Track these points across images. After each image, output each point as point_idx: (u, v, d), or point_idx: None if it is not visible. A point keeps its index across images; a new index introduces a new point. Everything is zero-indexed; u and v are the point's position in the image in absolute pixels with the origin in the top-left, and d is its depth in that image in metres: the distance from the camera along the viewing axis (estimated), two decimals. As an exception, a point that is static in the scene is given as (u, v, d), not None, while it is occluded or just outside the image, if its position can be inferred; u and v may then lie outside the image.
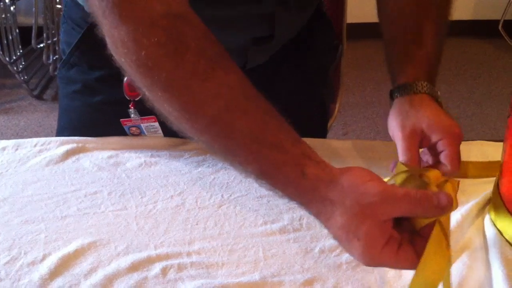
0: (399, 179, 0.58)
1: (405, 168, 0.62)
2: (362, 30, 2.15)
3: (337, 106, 1.48)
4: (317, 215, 0.54)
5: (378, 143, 0.86)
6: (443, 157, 0.66)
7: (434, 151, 0.68)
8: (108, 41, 0.57)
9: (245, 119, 0.55)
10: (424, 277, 0.51)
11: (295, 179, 0.54)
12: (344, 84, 1.51)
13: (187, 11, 0.57)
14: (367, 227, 0.50)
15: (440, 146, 0.66)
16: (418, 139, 0.67)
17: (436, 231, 0.52)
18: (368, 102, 2.41)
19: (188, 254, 0.65)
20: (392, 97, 0.73)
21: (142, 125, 0.82)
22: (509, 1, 2.70)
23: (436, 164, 0.67)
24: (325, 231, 0.65)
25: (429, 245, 0.51)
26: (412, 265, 0.51)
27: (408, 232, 0.53)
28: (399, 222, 0.53)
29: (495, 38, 2.88)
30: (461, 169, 0.77)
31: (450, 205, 0.51)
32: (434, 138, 0.66)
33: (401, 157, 0.65)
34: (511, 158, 0.63)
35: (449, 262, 0.54)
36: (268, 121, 0.56)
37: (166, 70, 0.54)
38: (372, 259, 0.51)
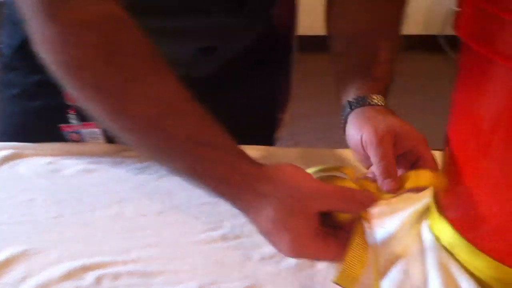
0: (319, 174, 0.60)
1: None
2: (315, 43, 2.17)
3: (287, 115, 1.48)
4: (247, 209, 0.56)
5: (325, 151, 0.86)
6: (422, 163, 0.63)
7: (404, 159, 0.64)
8: (37, 40, 0.55)
9: (179, 120, 0.55)
10: (348, 270, 0.54)
11: (227, 175, 0.55)
12: (295, 95, 1.51)
13: (121, 13, 0.56)
14: (297, 219, 0.53)
15: (415, 153, 0.63)
16: (392, 144, 0.62)
17: (359, 226, 0.56)
18: (319, 113, 2.43)
19: (125, 262, 0.63)
20: (349, 107, 0.69)
21: (83, 131, 0.80)
22: (447, 17, 2.78)
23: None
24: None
25: (353, 239, 0.55)
26: (337, 257, 0.54)
27: (332, 226, 0.56)
28: (324, 217, 0.55)
29: (439, 52, 2.96)
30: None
31: (373, 202, 0.55)
32: (407, 144, 0.63)
33: (378, 163, 0.61)
34: (448, 169, 0.64)
35: (370, 256, 0.56)
36: (203, 122, 0.56)
37: (98, 71, 0.53)
38: (300, 250, 0.54)
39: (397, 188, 0.59)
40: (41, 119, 0.84)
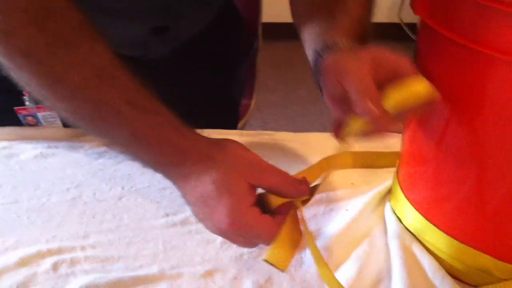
0: None
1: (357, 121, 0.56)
2: (282, 30, 2.17)
3: (253, 102, 1.48)
4: (188, 173, 0.54)
5: (288, 135, 0.85)
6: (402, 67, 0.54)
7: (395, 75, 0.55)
8: None
9: (114, 84, 0.53)
10: (280, 249, 0.54)
11: (171, 137, 0.54)
12: (263, 83, 1.51)
13: None
14: (240, 185, 0.52)
15: (399, 72, 0.54)
16: (371, 67, 0.54)
17: (293, 211, 0.57)
18: (287, 101, 2.42)
19: (82, 248, 0.61)
20: (319, 55, 0.62)
21: (38, 114, 0.78)
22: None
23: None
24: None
25: (287, 222, 0.55)
26: (271, 233, 0.54)
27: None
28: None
29: (405, 40, 2.98)
30: (365, 159, 0.78)
31: (307, 191, 0.56)
32: (387, 64, 0.55)
33: (355, 89, 0.53)
34: (408, 148, 0.64)
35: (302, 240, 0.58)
36: (139, 87, 0.54)
37: (26, 35, 0.51)
38: (238, 216, 0.52)
39: (380, 114, 0.52)
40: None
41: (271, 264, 0.54)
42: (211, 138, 0.56)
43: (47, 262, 0.59)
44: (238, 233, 0.53)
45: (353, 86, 0.53)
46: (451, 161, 0.57)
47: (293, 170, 0.62)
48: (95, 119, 0.55)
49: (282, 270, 0.54)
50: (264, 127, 2.28)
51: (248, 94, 1.46)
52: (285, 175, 0.55)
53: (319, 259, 0.58)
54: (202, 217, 0.55)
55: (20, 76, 0.54)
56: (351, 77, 0.54)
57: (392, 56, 0.55)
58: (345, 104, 0.56)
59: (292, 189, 0.55)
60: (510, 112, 0.48)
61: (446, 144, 0.56)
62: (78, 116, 0.56)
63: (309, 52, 0.67)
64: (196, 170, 0.54)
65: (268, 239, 0.54)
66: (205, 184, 0.53)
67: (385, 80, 0.54)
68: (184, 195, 0.56)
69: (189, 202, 0.55)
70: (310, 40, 0.67)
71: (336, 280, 0.56)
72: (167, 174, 0.56)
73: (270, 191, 0.56)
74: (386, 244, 0.64)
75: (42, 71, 0.53)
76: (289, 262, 0.55)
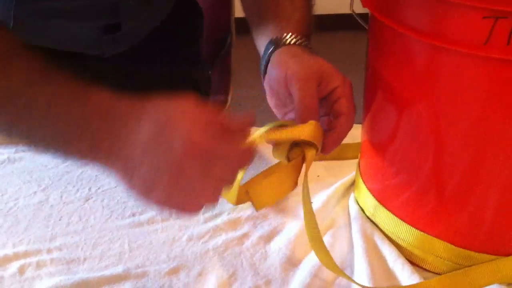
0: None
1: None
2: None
3: (229, 97, 1.48)
4: (126, 138, 0.47)
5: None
6: (338, 105, 0.59)
7: (327, 102, 0.60)
8: None
9: (20, 62, 0.49)
10: (265, 191, 0.56)
11: (88, 103, 0.48)
12: (243, 78, 1.51)
13: None
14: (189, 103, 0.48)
15: (336, 94, 0.59)
16: (317, 82, 0.58)
17: (297, 162, 0.57)
18: (263, 95, 2.43)
19: (49, 250, 0.62)
20: (271, 48, 0.64)
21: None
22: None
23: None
24: (194, 218, 0.66)
25: (285, 168, 0.56)
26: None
27: None
28: None
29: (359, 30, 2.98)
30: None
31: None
32: (331, 85, 0.58)
33: (300, 101, 0.57)
34: (366, 139, 0.66)
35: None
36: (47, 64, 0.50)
37: None
38: (196, 146, 0.45)
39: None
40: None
41: (250, 197, 0.54)
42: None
43: (14, 266, 0.59)
44: (204, 154, 0.46)
45: (298, 98, 0.57)
46: (406, 151, 0.58)
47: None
48: (6, 104, 0.49)
49: (256, 209, 0.56)
50: (244, 121, 2.28)
51: (224, 90, 1.46)
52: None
53: (310, 218, 0.58)
54: (151, 174, 0.46)
55: None
56: (298, 87, 0.57)
57: (336, 77, 0.58)
58: (283, 101, 0.60)
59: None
60: (459, 99, 0.50)
61: (400, 134, 0.58)
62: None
63: (259, 39, 0.68)
64: (131, 118, 0.47)
65: (238, 158, 0.48)
66: (150, 121, 0.47)
67: (324, 95, 0.59)
68: (122, 167, 0.47)
69: (131, 173, 0.47)
70: (262, 35, 0.68)
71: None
72: (95, 144, 0.48)
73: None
74: (350, 235, 0.65)
75: None
76: (266, 205, 0.56)
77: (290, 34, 0.64)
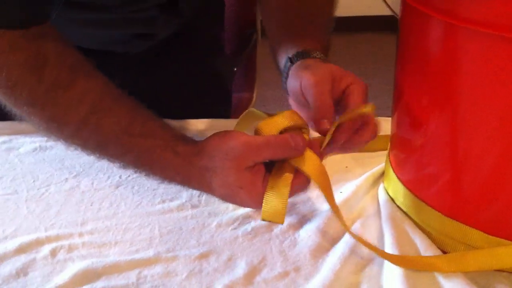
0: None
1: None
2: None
3: (254, 95, 1.48)
4: (200, 186, 0.59)
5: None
6: (349, 99, 0.62)
7: (341, 104, 0.64)
8: None
9: (111, 116, 0.58)
10: (271, 206, 0.57)
11: (170, 160, 0.58)
12: (267, 79, 1.51)
13: (45, 27, 0.58)
14: (244, 175, 0.56)
15: (348, 91, 0.63)
16: (330, 84, 0.62)
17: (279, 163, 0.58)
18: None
19: (80, 234, 0.63)
20: (289, 62, 0.69)
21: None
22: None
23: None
24: (224, 205, 0.66)
25: (272, 174, 0.58)
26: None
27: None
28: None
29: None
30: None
31: (304, 144, 0.57)
32: (343, 84, 0.63)
33: (314, 103, 0.62)
34: (397, 130, 0.65)
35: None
36: (135, 114, 0.59)
37: (28, 87, 0.56)
38: (259, 200, 0.57)
39: (328, 129, 0.60)
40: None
41: (269, 221, 0.57)
42: (198, 145, 0.59)
43: (46, 249, 0.60)
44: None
45: (313, 102, 0.61)
46: (438, 140, 0.58)
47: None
48: (102, 150, 0.61)
49: (281, 223, 0.58)
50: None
51: (249, 87, 1.47)
52: (275, 143, 0.57)
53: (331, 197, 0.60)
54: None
55: (30, 121, 0.60)
56: (313, 92, 0.61)
57: (349, 77, 0.63)
58: (307, 109, 0.64)
59: (290, 151, 0.57)
60: (495, 84, 0.49)
61: (432, 123, 0.57)
62: (88, 148, 0.62)
63: (279, 57, 0.72)
64: (204, 183, 0.58)
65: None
66: (218, 190, 0.58)
67: (338, 96, 0.63)
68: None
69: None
70: (282, 46, 0.72)
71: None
72: (185, 186, 0.62)
73: (272, 160, 0.58)
74: (379, 224, 0.65)
75: (47, 116, 0.58)
76: (284, 213, 0.57)
77: (305, 50, 0.68)
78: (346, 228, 0.59)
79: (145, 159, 0.59)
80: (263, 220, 0.58)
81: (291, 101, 0.69)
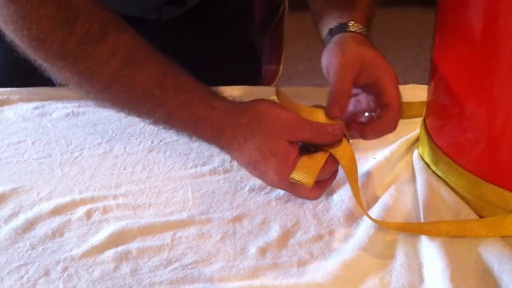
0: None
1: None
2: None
3: (281, 68, 1.47)
4: (229, 143, 0.58)
5: (312, 90, 0.85)
6: (385, 97, 0.62)
7: (369, 90, 0.64)
8: (1, 21, 0.57)
9: (144, 70, 0.57)
10: (305, 169, 0.57)
11: (205, 113, 0.57)
12: (292, 53, 1.50)
13: None
14: (280, 144, 0.56)
15: (380, 85, 0.62)
16: (355, 71, 0.61)
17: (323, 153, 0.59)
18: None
19: (114, 197, 0.63)
20: (330, 35, 0.68)
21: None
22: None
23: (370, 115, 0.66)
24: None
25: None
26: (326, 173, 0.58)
27: None
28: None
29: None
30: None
31: (341, 133, 0.58)
32: (373, 75, 0.62)
33: (331, 87, 0.61)
34: (436, 96, 0.64)
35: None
36: (168, 68, 0.58)
37: (59, 40, 0.55)
38: (285, 173, 0.56)
39: (337, 116, 0.60)
40: (25, 59, 0.83)
41: (298, 181, 0.57)
42: (241, 104, 0.59)
43: (81, 210, 0.61)
44: (290, 185, 0.58)
45: (332, 84, 0.61)
46: (478, 105, 0.56)
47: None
48: (133, 106, 0.60)
49: (309, 185, 0.57)
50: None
51: (276, 60, 1.46)
52: (316, 126, 0.58)
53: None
54: (257, 176, 0.60)
55: (60, 75, 0.59)
56: (335, 74, 0.61)
57: (380, 67, 0.62)
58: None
59: (326, 137, 0.58)
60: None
61: (473, 89, 0.56)
62: (118, 104, 0.61)
63: (322, 27, 0.71)
64: (237, 140, 0.58)
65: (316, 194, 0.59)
66: (249, 151, 0.57)
67: (365, 84, 0.63)
68: (234, 159, 0.60)
69: (240, 165, 0.60)
70: (325, 15, 0.71)
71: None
72: (211, 145, 0.61)
73: (307, 142, 0.58)
74: (414, 190, 0.64)
75: (78, 70, 0.57)
76: (314, 178, 0.57)
77: (346, 23, 0.67)
78: (367, 215, 0.59)
79: (178, 112, 0.58)
80: (292, 179, 0.57)
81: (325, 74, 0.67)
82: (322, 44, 0.72)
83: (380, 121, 0.63)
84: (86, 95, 0.61)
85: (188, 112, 0.58)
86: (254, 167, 0.58)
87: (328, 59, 0.63)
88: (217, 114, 0.58)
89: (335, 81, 0.61)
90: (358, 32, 0.66)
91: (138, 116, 0.62)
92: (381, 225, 0.58)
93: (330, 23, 0.70)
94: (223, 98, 0.59)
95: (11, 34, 0.58)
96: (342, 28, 0.67)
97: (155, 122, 0.61)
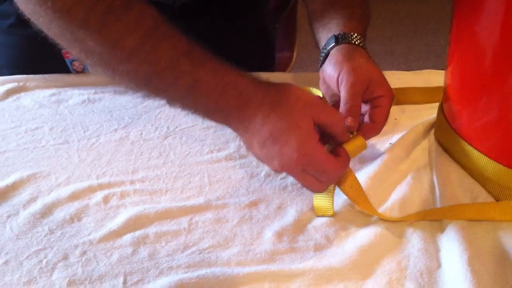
0: None
1: None
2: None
3: (294, 55, 1.47)
4: (255, 112, 0.56)
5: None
6: (375, 113, 0.66)
7: (370, 104, 0.67)
8: None
9: (169, 41, 0.56)
10: (322, 202, 0.59)
11: (234, 80, 0.56)
12: (306, 41, 1.49)
13: None
14: (307, 120, 0.55)
15: (377, 102, 0.66)
16: (365, 87, 0.65)
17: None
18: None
19: (131, 182, 0.63)
20: (334, 41, 0.70)
21: (85, 60, 0.79)
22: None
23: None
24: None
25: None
26: (337, 170, 0.57)
27: None
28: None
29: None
30: (408, 94, 0.78)
31: (354, 125, 0.61)
32: (376, 92, 0.65)
33: (345, 103, 0.64)
34: (453, 81, 0.63)
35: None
36: (192, 43, 0.57)
37: (83, 10, 0.54)
38: (308, 149, 0.55)
39: (355, 127, 0.62)
40: (41, 46, 0.83)
41: (322, 216, 0.58)
42: (270, 81, 0.58)
43: (98, 195, 0.61)
44: (306, 168, 0.55)
45: (345, 98, 0.64)
46: (497, 91, 0.56)
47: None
48: (153, 78, 0.57)
49: (332, 216, 0.59)
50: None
51: (289, 47, 1.45)
52: (339, 115, 0.59)
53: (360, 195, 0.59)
54: (268, 157, 0.56)
55: (83, 45, 0.57)
56: (347, 90, 0.64)
57: (383, 88, 0.65)
58: (331, 91, 0.69)
59: (342, 129, 0.58)
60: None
61: (492, 73, 0.56)
62: (138, 77, 0.58)
63: (321, 39, 0.73)
64: (262, 111, 0.56)
65: (333, 176, 0.57)
66: (274, 122, 0.55)
67: (367, 98, 0.66)
68: (248, 138, 0.57)
69: (252, 145, 0.57)
70: (324, 28, 0.73)
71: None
72: (229, 118, 0.58)
73: (324, 128, 0.58)
74: (431, 176, 0.64)
75: (101, 39, 0.56)
76: (332, 206, 0.59)
77: (351, 33, 0.69)
78: (383, 217, 0.58)
79: (206, 78, 0.56)
80: (317, 215, 0.59)
81: (321, 76, 0.71)
82: (315, 41, 0.76)
83: (363, 132, 0.64)
84: (105, 71, 0.59)
85: (217, 78, 0.56)
86: (275, 139, 0.55)
87: (340, 73, 0.66)
88: (247, 82, 0.56)
89: (350, 96, 0.64)
90: (360, 46, 0.69)
91: (155, 92, 0.59)
92: (400, 220, 0.57)
93: (332, 28, 0.72)
94: (246, 74, 0.58)
95: (31, 10, 0.57)
96: (346, 37, 0.69)
97: (174, 97, 0.59)
